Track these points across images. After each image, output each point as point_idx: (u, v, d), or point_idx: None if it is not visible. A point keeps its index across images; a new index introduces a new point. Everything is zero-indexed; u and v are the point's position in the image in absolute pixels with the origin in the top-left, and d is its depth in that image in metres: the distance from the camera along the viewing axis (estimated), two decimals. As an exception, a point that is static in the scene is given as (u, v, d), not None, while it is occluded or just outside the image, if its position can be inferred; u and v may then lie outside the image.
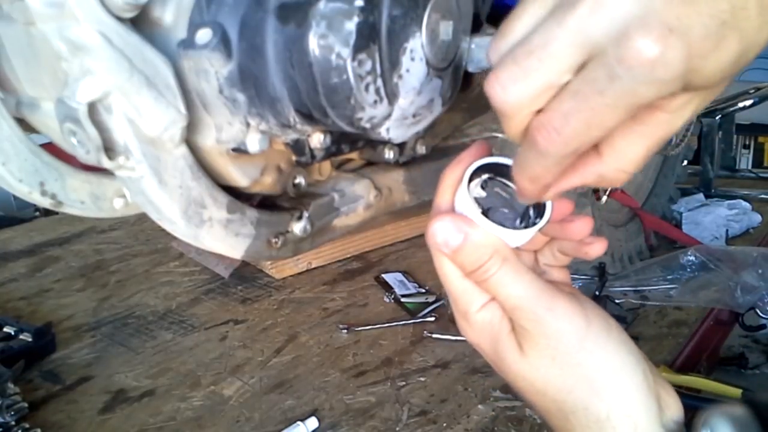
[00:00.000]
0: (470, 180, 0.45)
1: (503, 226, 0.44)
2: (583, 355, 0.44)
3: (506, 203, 0.46)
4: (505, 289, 0.44)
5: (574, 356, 0.44)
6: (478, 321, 0.46)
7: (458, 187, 0.45)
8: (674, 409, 0.47)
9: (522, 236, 0.45)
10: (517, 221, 0.45)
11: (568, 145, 0.34)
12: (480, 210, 0.44)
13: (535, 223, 0.45)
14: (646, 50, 0.30)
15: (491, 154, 0.46)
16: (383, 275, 1.30)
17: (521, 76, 0.33)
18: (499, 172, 0.46)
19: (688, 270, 1.21)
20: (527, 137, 0.36)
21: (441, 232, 0.44)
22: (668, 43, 0.30)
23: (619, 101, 0.32)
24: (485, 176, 0.46)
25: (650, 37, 0.29)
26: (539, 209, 0.45)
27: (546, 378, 0.45)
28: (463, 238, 0.43)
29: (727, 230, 1.45)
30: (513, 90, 0.34)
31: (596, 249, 0.47)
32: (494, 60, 0.36)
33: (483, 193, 0.46)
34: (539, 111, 0.34)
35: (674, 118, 0.36)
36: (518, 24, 0.35)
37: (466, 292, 0.46)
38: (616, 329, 0.46)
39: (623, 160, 0.37)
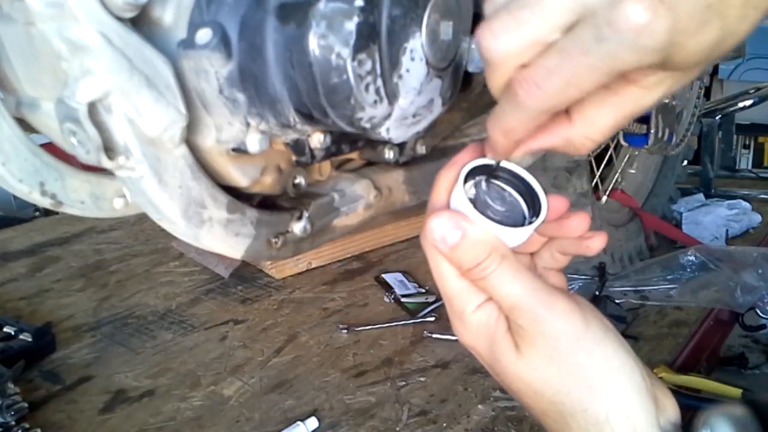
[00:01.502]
0: (465, 181, 0.44)
1: (501, 224, 0.44)
2: (582, 355, 0.43)
3: (502, 204, 0.45)
4: (503, 288, 0.43)
5: (572, 356, 0.43)
6: (474, 322, 0.46)
7: (453, 188, 0.45)
8: (671, 410, 0.47)
9: (519, 234, 0.44)
10: (514, 221, 0.45)
11: (546, 101, 0.36)
12: (476, 209, 0.44)
13: (531, 222, 0.45)
14: (635, 16, 0.31)
15: (485, 156, 0.46)
16: (383, 275, 1.30)
17: (513, 26, 0.35)
18: (494, 173, 0.46)
19: (688, 270, 1.21)
20: (508, 90, 0.37)
21: (438, 229, 0.43)
22: (657, 12, 0.31)
23: (602, 63, 0.33)
24: (480, 177, 0.45)
25: (641, 4, 0.31)
26: (535, 209, 0.45)
27: (544, 379, 0.44)
28: (461, 234, 0.43)
29: (727, 230, 1.45)
30: (503, 39, 0.35)
31: (597, 243, 0.47)
32: (489, 12, 0.37)
33: (478, 194, 0.45)
34: (524, 66, 0.36)
35: (646, 94, 0.37)
36: None
37: (461, 292, 0.46)
38: (613, 330, 0.46)
39: (591, 127, 0.39)
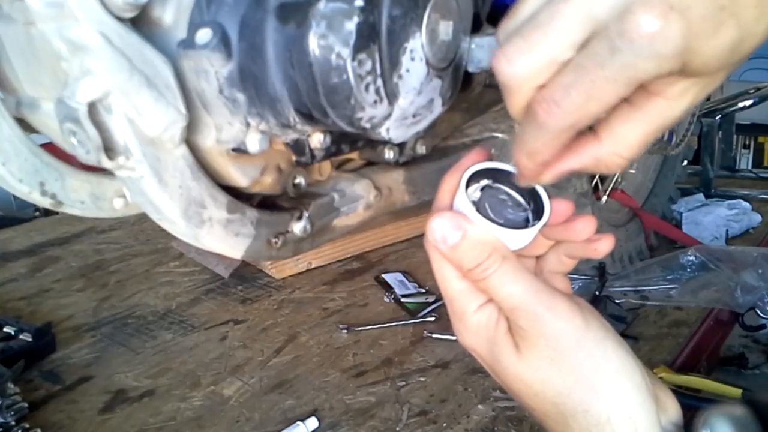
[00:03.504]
0: (469, 184, 0.45)
1: (502, 227, 0.44)
2: (583, 356, 0.43)
3: (504, 206, 0.45)
4: (504, 289, 0.43)
5: (573, 357, 0.43)
6: (474, 323, 0.46)
7: (456, 191, 0.45)
8: (672, 411, 0.47)
9: (521, 236, 0.44)
10: (516, 223, 0.45)
11: (567, 118, 0.35)
12: (478, 212, 0.44)
13: (533, 225, 0.45)
14: (646, 25, 0.31)
15: (490, 160, 0.46)
16: (383, 275, 1.30)
17: (526, 49, 0.35)
18: (498, 177, 0.46)
19: (688, 270, 1.21)
20: (528, 112, 0.37)
21: (439, 229, 0.43)
22: (668, 18, 0.31)
23: (619, 74, 0.33)
24: (484, 181, 0.46)
25: (651, 12, 0.31)
26: (538, 212, 0.45)
27: (544, 379, 0.44)
28: (461, 234, 0.43)
29: (727, 230, 1.45)
30: (518, 63, 0.35)
31: (604, 245, 0.47)
32: (502, 38, 0.37)
33: (481, 198, 0.45)
34: (542, 88, 0.36)
35: (673, 105, 0.37)
36: (526, 5, 0.36)
37: (462, 293, 0.46)
38: (612, 331, 0.46)
39: (620, 144, 0.38)
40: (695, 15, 0.31)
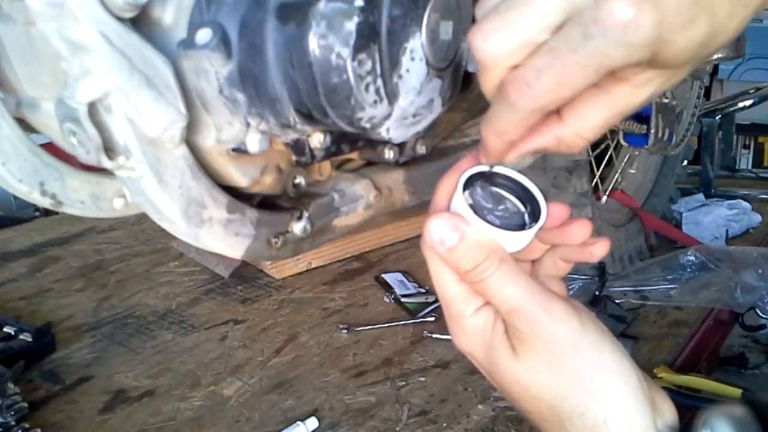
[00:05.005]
0: (466, 187, 0.45)
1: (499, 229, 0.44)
2: (579, 359, 0.43)
3: (501, 209, 0.45)
4: (501, 290, 0.43)
5: (569, 359, 0.43)
6: (471, 326, 0.46)
7: (454, 193, 0.45)
8: (668, 414, 0.46)
9: (518, 238, 0.44)
10: (513, 226, 0.45)
11: (537, 100, 0.36)
12: (475, 214, 0.44)
13: (530, 227, 0.45)
14: (620, 12, 0.32)
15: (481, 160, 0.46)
16: (383, 275, 1.30)
17: (502, 27, 0.35)
18: (495, 180, 0.46)
19: (688, 270, 1.21)
20: (500, 91, 0.37)
21: (437, 230, 0.43)
22: (642, 8, 0.32)
23: (590, 61, 0.34)
24: (480, 183, 0.46)
25: (626, 1, 0.31)
26: (535, 215, 0.45)
27: (541, 382, 0.44)
28: (459, 236, 0.43)
29: (727, 230, 1.45)
30: (493, 40, 0.36)
31: (599, 249, 0.47)
32: (480, 15, 0.37)
33: (478, 200, 0.45)
34: (515, 68, 0.36)
35: (636, 92, 0.38)
36: None
37: (459, 296, 0.46)
38: (608, 333, 0.46)
39: (582, 125, 0.39)
40: (669, 7, 0.32)
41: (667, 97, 1.16)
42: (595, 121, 0.39)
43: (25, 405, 0.89)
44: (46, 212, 1.84)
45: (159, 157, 0.53)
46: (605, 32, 0.32)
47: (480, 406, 0.91)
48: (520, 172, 0.46)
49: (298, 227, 0.67)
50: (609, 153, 1.35)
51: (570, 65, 0.34)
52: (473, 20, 0.38)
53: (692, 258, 1.21)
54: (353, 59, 0.49)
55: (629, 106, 0.38)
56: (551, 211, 0.45)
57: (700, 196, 1.61)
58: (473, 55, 0.38)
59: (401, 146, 0.73)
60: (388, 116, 0.55)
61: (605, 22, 0.32)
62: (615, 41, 0.32)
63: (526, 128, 0.39)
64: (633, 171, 1.46)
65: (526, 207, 0.46)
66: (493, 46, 0.36)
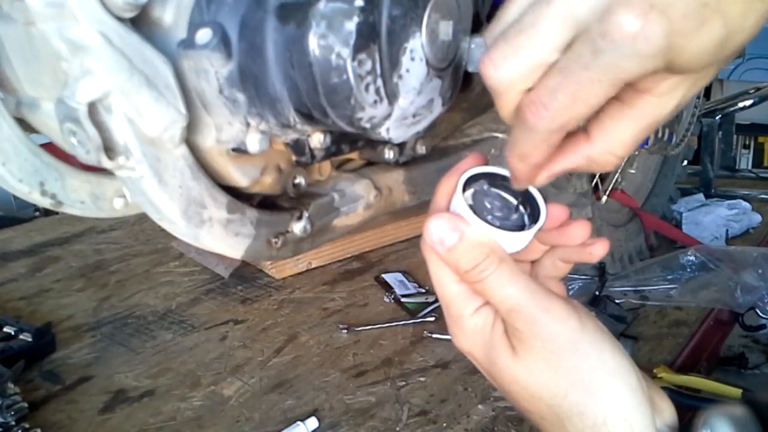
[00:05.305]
0: (466, 187, 0.45)
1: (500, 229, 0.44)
2: (578, 358, 0.43)
3: (501, 210, 0.46)
4: (501, 290, 0.43)
5: (569, 359, 0.43)
6: (471, 326, 0.46)
7: (453, 194, 0.45)
8: (667, 413, 0.47)
9: (518, 239, 0.44)
10: (512, 227, 0.45)
11: (555, 120, 0.36)
12: (474, 214, 0.44)
13: (530, 228, 0.45)
14: (627, 25, 0.31)
15: (487, 164, 0.46)
16: (383, 275, 1.30)
17: (511, 53, 0.35)
18: (495, 181, 0.46)
19: (688, 270, 1.21)
20: (518, 115, 0.37)
21: (437, 230, 0.43)
22: (649, 18, 0.31)
23: (603, 75, 0.33)
24: (480, 184, 0.46)
25: (632, 12, 0.31)
26: (534, 216, 0.45)
27: (540, 382, 0.44)
28: (458, 236, 0.43)
29: (727, 230, 1.45)
30: (504, 67, 0.36)
31: (599, 249, 0.47)
32: (489, 42, 0.37)
33: (478, 201, 0.45)
34: (529, 90, 0.36)
35: (662, 102, 0.37)
36: (512, 8, 0.37)
37: (459, 296, 0.46)
38: (608, 333, 0.46)
39: (612, 142, 0.39)
40: (676, 13, 0.31)
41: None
42: (625, 137, 0.38)
43: (25, 405, 0.89)
44: (46, 212, 1.84)
45: (159, 157, 0.53)
46: (614, 46, 0.32)
47: (480, 406, 0.91)
48: None
49: (298, 227, 0.67)
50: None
51: (583, 82, 0.34)
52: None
53: (692, 258, 1.21)
54: (353, 59, 0.49)
55: (658, 117, 0.38)
56: (551, 212, 0.45)
57: (700, 196, 1.61)
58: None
59: (401, 146, 0.73)
60: (388, 116, 0.55)
61: (614, 36, 0.32)
62: (626, 54, 0.32)
63: (549, 149, 0.38)
64: (633, 171, 1.46)
65: (525, 208, 0.46)
66: (504, 73, 0.36)
